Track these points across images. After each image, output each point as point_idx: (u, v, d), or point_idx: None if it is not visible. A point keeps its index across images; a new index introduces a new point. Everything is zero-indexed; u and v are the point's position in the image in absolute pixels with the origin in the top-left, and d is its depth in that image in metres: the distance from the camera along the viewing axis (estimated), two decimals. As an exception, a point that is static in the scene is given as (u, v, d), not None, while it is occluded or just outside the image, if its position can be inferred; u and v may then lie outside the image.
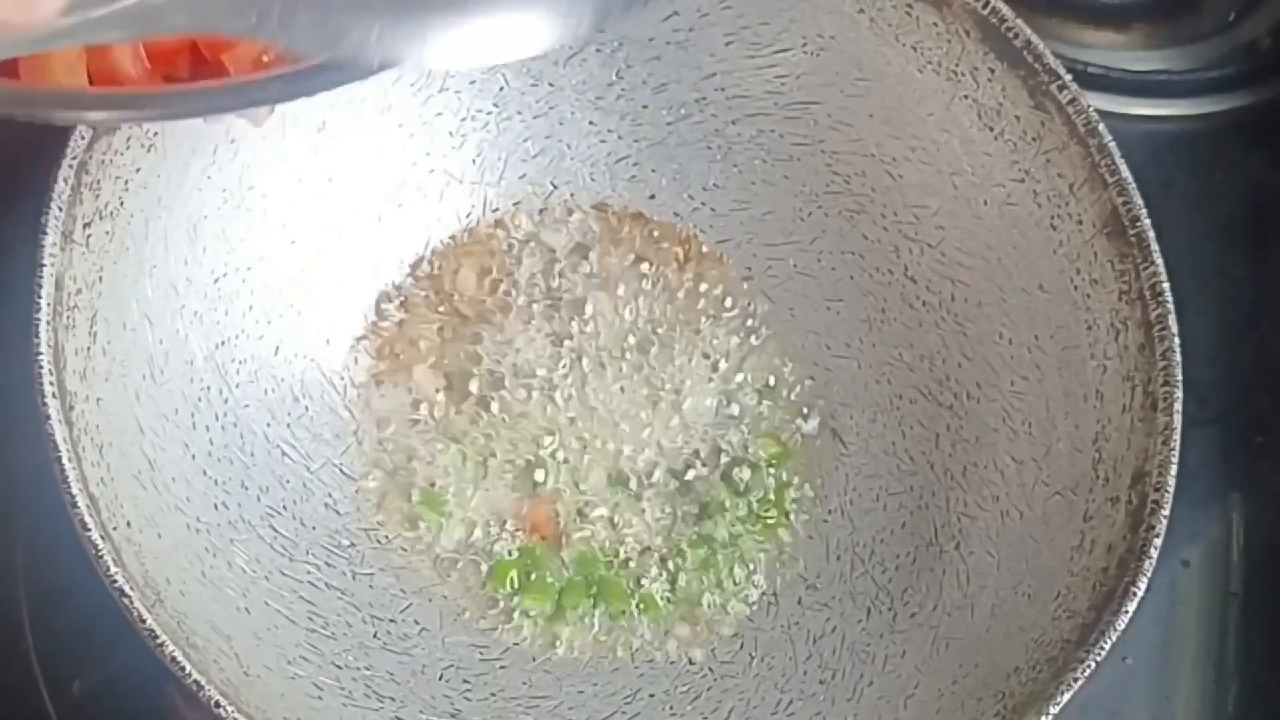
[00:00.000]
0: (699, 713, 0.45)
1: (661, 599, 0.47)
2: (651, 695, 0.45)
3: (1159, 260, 0.43)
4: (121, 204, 0.42)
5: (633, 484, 0.48)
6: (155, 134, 0.43)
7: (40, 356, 0.38)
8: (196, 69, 0.36)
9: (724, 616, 0.47)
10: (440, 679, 0.44)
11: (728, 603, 0.47)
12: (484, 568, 0.47)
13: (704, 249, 0.51)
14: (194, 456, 0.43)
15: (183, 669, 0.36)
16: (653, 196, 0.52)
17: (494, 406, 0.49)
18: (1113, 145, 0.44)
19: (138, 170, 0.42)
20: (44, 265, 0.39)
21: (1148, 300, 0.43)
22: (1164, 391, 0.42)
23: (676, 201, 0.52)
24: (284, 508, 0.44)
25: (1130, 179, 0.44)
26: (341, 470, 0.47)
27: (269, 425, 0.46)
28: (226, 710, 0.36)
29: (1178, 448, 0.42)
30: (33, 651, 0.47)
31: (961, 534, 0.46)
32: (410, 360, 0.49)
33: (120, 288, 0.42)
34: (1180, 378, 0.42)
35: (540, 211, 0.51)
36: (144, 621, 0.36)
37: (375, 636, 0.44)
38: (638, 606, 0.47)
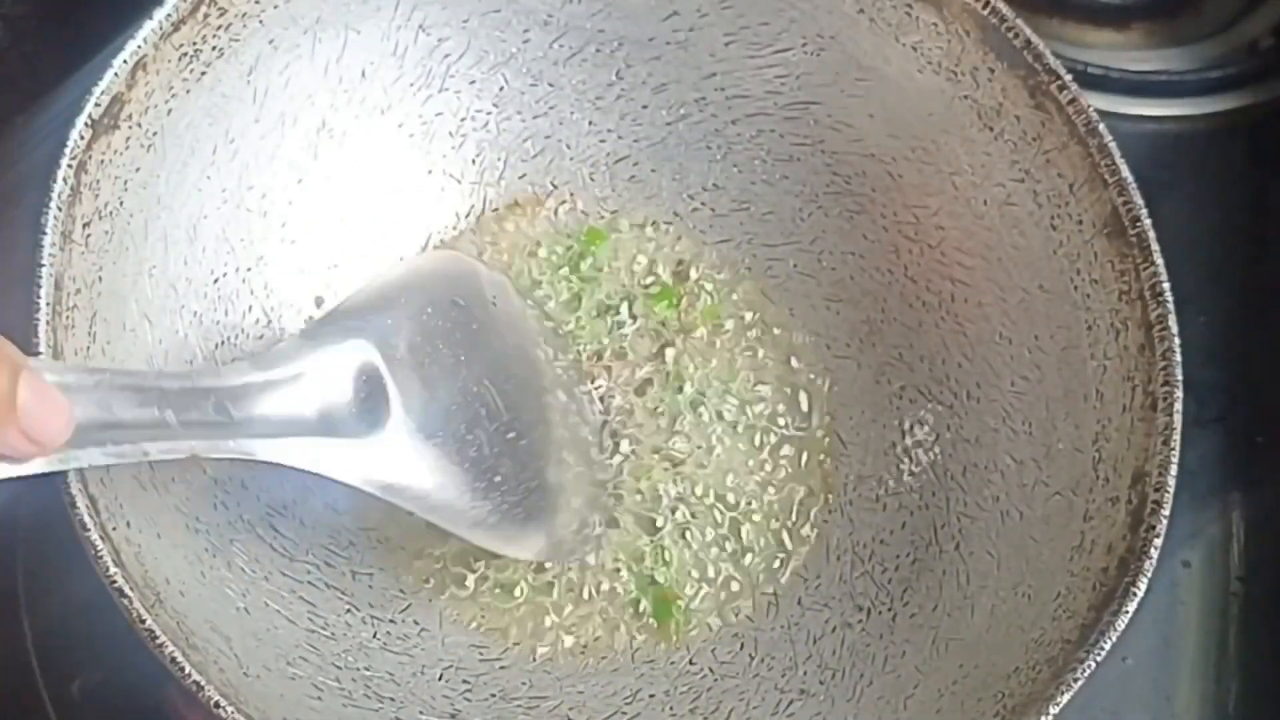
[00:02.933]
0: (699, 713, 0.45)
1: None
2: (651, 695, 0.45)
3: (1159, 260, 0.43)
4: (121, 204, 0.42)
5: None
6: (155, 134, 0.43)
7: (39, 357, 0.38)
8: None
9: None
10: (440, 679, 0.44)
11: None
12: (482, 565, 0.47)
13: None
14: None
15: (182, 669, 0.36)
16: (652, 196, 0.52)
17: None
18: (1113, 145, 0.44)
19: (137, 170, 0.42)
20: (43, 265, 0.39)
21: (1148, 300, 0.43)
22: (1164, 391, 0.42)
23: (676, 201, 0.52)
24: (284, 508, 0.44)
25: (1130, 179, 0.44)
26: (341, 470, 0.47)
27: (269, 425, 0.46)
28: (226, 710, 0.36)
29: (1178, 448, 0.42)
30: (33, 651, 0.47)
31: (961, 534, 0.46)
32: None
33: (120, 288, 0.42)
34: (1180, 378, 0.42)
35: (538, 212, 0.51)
36: (143, 622, 0.36)
37: (375, 637, 0.44)
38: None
